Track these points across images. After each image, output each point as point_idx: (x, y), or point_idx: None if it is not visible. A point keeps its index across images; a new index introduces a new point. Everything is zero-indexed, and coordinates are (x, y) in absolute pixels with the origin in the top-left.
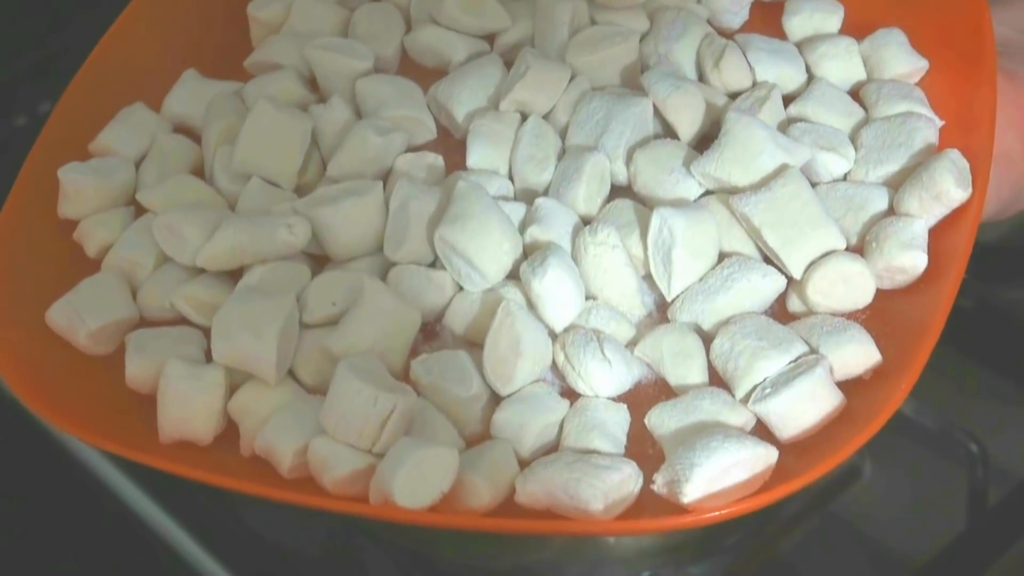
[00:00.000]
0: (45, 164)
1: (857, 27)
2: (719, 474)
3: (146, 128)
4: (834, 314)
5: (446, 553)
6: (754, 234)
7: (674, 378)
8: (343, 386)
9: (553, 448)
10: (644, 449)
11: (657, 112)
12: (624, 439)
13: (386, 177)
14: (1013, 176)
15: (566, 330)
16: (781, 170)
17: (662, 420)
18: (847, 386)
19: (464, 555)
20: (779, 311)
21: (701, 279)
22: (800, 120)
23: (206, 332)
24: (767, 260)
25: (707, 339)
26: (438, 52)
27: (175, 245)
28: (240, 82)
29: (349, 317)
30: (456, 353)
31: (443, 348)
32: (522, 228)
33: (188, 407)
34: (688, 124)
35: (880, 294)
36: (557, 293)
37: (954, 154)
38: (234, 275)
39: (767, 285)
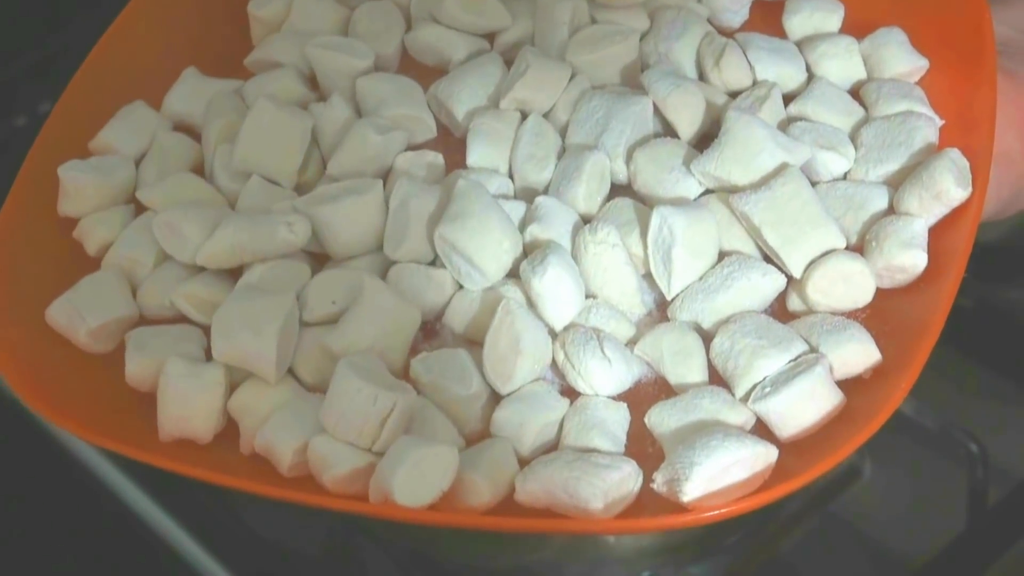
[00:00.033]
0: (45, 162)
1: (857, 26)
2: (719, 473)
3: (146, 126)
4: (834, 313)
5: (446, 552)
6: (754, 233)
7: (674, 377)
8: (343, 384)
9: (553, 447)
10: (644, 448)
11: (657, 111)
12: (624, 438)
13: (386, 175)
14: (1013, 176)
15: (566, 329)
16: (781, 169)
17: (662, 419)
18: (847, 385)
19: (464, 554)
20: (779, 310)
21: (701, 278)
22: (800, 119)
23: (206, 330)
24: (767, 259)
25: (707, 338)
26: (438, 51)
27: (175, 243)
28: (240, 80)
29: (349, 315)
30: (456, 352)
31: (443, 346)
32: (522, 227)
33: (188, 405)
34: (688, 123)
35: (880, 293)
36: (557, 292)
37: (954, 153)
38: (234, 273)
39: (767, 284)
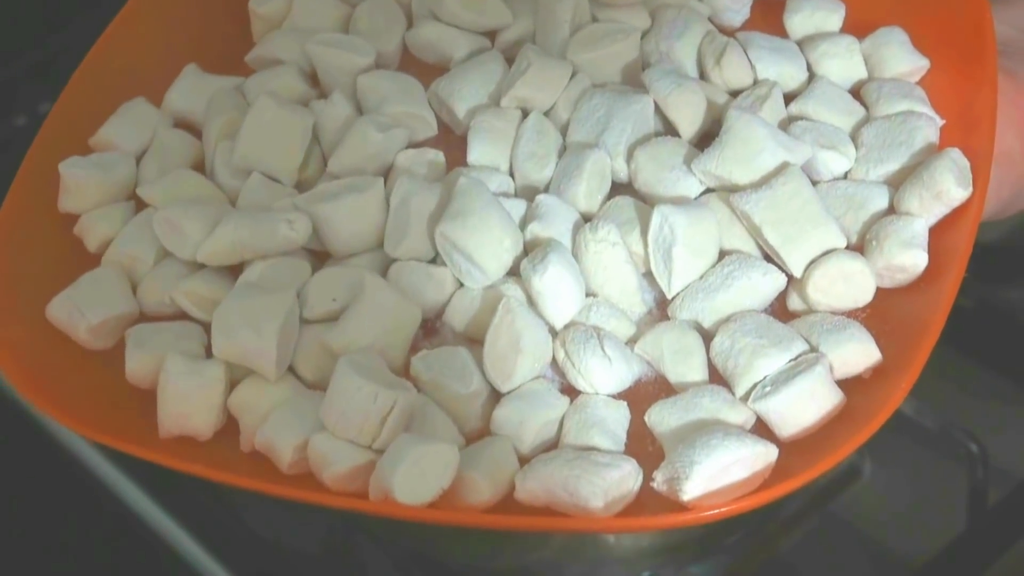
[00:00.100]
0: (46, 158)
1: (858, 26)
2: (719, 472)
3: (147, 123)
4: (834, 312)
5: (446, 551)
6: (754, 232)
7: (674, 376)
8: (343, 382)
9: (553, 445)
10: (644, 446)
11: (658, 110)
12: (624, 436)
13: (387, 173)
14: (1013, 175)
15: (566, 327)
16: (782, 168)
17: (662, 418)
18: (847, 385)
19: (464, 554)
20: (779, 309)
21: (701, 277)
22: (801, 118)
23: (206, 327)
24: (767, 258)
25: (707, 337)
26: (439, 48)
27: (175, 240)
28: (241, 77)
29: (349, 313)
30: (456, 349)
31: (443, 344)
32: (523, 225)
33: (188, 402)
34: (689, 122)
35: (880, 293)
36: (557, 290)
37: (955, 153)
38: (234, 271)
39: (767, 283)
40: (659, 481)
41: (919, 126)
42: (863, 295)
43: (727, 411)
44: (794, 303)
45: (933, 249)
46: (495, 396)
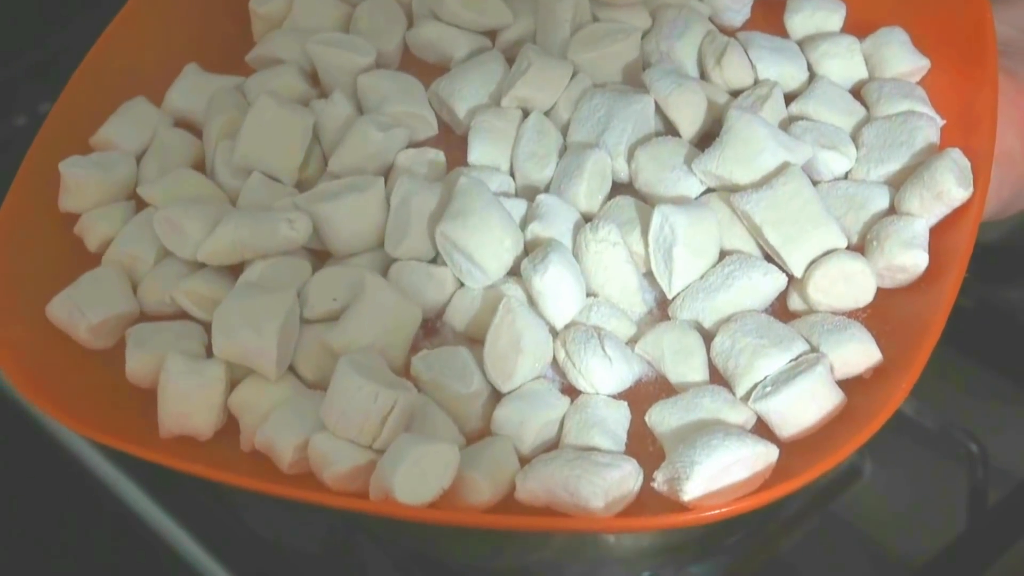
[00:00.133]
0: (46, 158)
1: (859, 26)
2: (719, 472)
3: (147, 122)
4: (835, 313)
5: (446, 551)
6: (755, 232)
7: (675, 376)
8: (344, 382)
9: (553, 445)
10: (644, 447)
11: (658, 109)
12: (624, 436)
13: (387, 173)
14: (1014, 176)
15: (567, 327)
16: (782, 168)
17: (662, 418)
18: (847, 385)
19: (464, 554)
20: (780, 309)
21: (702, 277)
22: (801, 118)
23: (207, 327)
24: (768, 258)
25: (708, 337)
26: (440, 48)
27: (176, 239)
28: (242, 77)
29: (350, 313)
30: (457, 349)
31: (444, 344)
32: (523, 225)
33: (188, 402)
34: (689, 122)
35: (881, 293)
36: (558, 290)
37: (955, 153)
38: (235, 270)
39: (768, 283)
40: (660, 481)
41: (920, 126)
42: (864, 295)
43: (728, 411)
44: (795, 303)
45: (934, 249)
46: (496, 396)
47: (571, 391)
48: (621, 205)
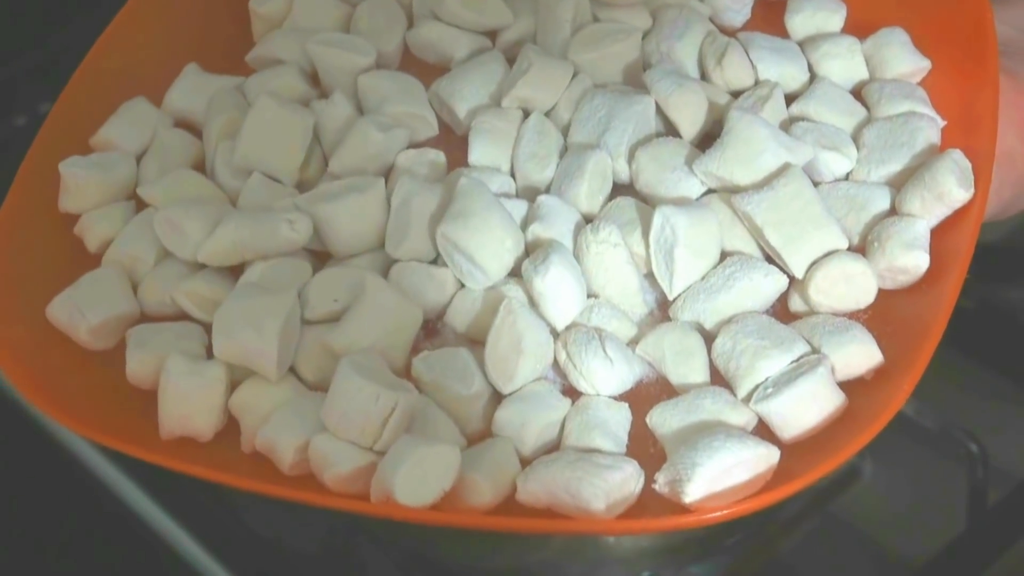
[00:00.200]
0: (46, 158)
1: (859, 26)
2: (721, 474)
3: (147, 122)
4: (836, 314)
5: (446, 552)
6: (756, 233)
7: (676, 377)
8: (345, 383)
9: (554, 447)
10: (646, 448)
11: (659, 110)
12: (625, 438)
13: (388, 173)
14: (1014, 176)
15: (568, 328)
16: (783, 169)
17: (664, 419)
18: (849, 386)
19: (464, 555)
20: (781, 310)
21: (703, 278)
22: (802, 119)
23: (207, 328)
24: (769, 259)
25: (709, 338)
26: (440, 48)
27: (176, 240)
28: (242, 77)
29: (350, 314)
30: (458, 351)
31: (445, 345)
32: (524, 225)
33: (189, 403)
34: (690, 122)
35: (882, 294)
36: (559, 291)
37: (956, 154)
38: (235, 271)
39: (769, 284)
40: (661, 483)
41: (920, 127)
42: (865, 296)
43: (729, 413)
44: (796, 304)
45: (935, 250)
46: (496, 397)
47: (572, 392)
48: (622, 206)
